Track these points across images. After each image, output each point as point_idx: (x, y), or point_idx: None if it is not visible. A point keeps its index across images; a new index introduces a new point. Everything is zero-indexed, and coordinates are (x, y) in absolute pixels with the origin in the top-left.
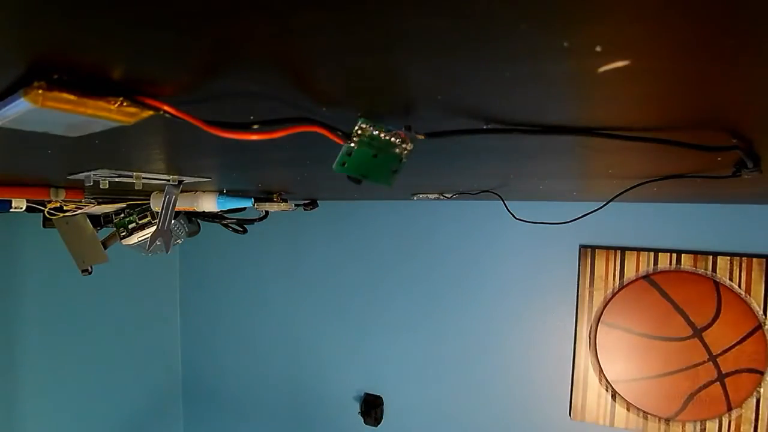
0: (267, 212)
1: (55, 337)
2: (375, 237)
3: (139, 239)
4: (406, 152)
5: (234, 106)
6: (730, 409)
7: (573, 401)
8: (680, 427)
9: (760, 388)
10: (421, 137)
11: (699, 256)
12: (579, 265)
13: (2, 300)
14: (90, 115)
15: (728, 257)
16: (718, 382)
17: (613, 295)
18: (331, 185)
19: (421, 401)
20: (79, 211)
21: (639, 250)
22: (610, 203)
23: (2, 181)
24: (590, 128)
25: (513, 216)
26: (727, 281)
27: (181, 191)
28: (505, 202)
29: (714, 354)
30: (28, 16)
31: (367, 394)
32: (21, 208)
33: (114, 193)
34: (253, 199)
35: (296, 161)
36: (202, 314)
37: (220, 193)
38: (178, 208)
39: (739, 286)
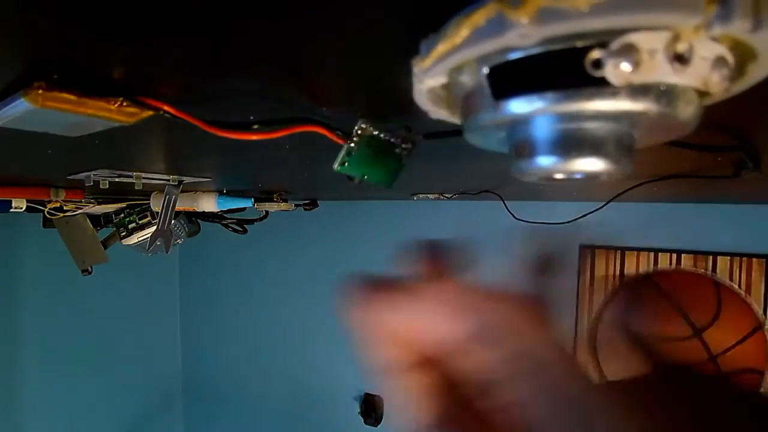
0: (267, 212)
1: (55, 337)
2: (375, 237)
3: (139, 239)
4: (405, 152)
5: (234, 106)
6: None
7: None
8: None
9: (760, 388)
10: (420, 138)
11: (699, 256)
12: (579, 265)
13: (2, 300)
14: (90, 115)
15: (728, 257)
16: None
17: (613, 295)
18: (331, 185)
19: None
20: (79, 211)
21: (639, 250)
22: (611, 203)
23: (2, 181)
24: None
25: (513, 216)
26: (727, 281)
27: (181, 191)
28: (505, 202)
29: (714, 354)
30: (28, 16)
31: (367, 394)
32: (21, 208)
33: (114, 193)
34: (253, 199)
35: (296, 161)
36: (202, 314)
37: (220, 193)
38: (178, 208)
39: (739, 286)
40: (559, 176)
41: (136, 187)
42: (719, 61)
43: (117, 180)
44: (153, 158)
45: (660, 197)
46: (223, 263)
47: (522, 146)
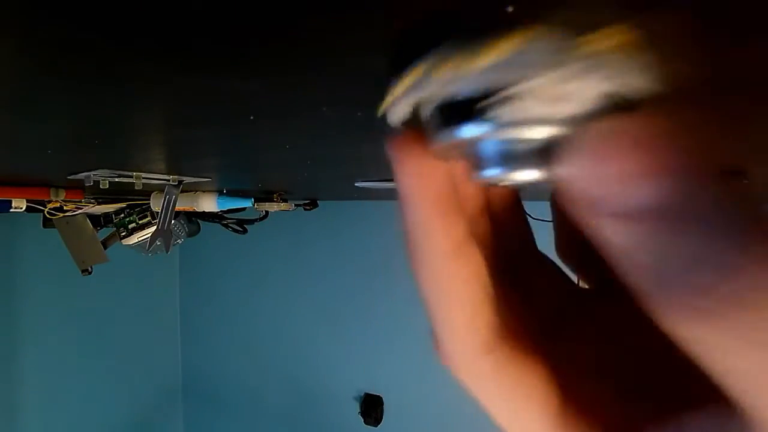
0: (267, 212)
1: (55, 338)
2: (375, 237)
3: (139, 239)
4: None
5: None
6: None
7: None
8: None
9: None
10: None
11: None
12: None
13: (2, 300)
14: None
15: None
16: None
17: None
18: (331, 185)
19: (421, 401)
20: (79, 211)
21: None
22: None
23: (2, 181)
24: None
25: (530, 217)
26: None
27: (181, 191)
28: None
29: None
30: None
31: (367, 394)
32: (21, 208)
33: (114, 193)
34: (253, 199)
35: (296, 161)
36: (202, 314)
37: (220, 193)
38: (178, 208)
39: None
40: (506, 184)
41: (136, 187)
42: (597, 95)
43: (117, 180)
44: (153, 158)
45: None
46: (223, 263)
47: (472, 161)
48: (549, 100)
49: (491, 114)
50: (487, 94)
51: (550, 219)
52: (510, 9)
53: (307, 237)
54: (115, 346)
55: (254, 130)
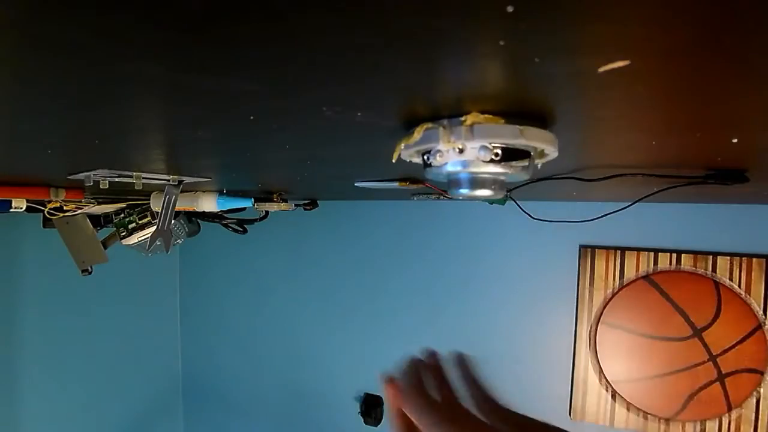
0: (267, 212)
1: (55, 337)
2: (375, 237)
3: (139, 239)
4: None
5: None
6: (730, 409)
7: (573, 401)
8: (680, 427)
9: (760, 388)
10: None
11: (699, 256)
12: (579, 265)
13: (2, 300)
14: None
15: (728, 257)
16: (718, 382)
17: (613, 295)
18: (331, 185)
19: None
20: (79, 211)
21: (639, 250)
22: (608, 203)
23: (2, 181)
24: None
25: (530, 216)
26: (727, 281)
27: (181, 191)
28: (517, 202)
29: (714, 354)
30: None
31: (367, 394)
32: (21, 208)
33: (114, 193)
34: (253, 199)
35: (296, 161)
36: (202, 314)
37: (220, 193)
38: (178, 208)
39: (739, 286)
40: (472, 197)
41: (136, 187)
42: (482, 147)
43: (117, 180)
44: (153, 158)
45: (660, 197)
46: (223, 263)
47: (449, 183)
48: (456, 151)
49: (431, 161)
50: (428, 151)
51: (549, 219)
52: (510, 9)
53: (307, 237)
54: (115, 346)
55: (254, 130)
